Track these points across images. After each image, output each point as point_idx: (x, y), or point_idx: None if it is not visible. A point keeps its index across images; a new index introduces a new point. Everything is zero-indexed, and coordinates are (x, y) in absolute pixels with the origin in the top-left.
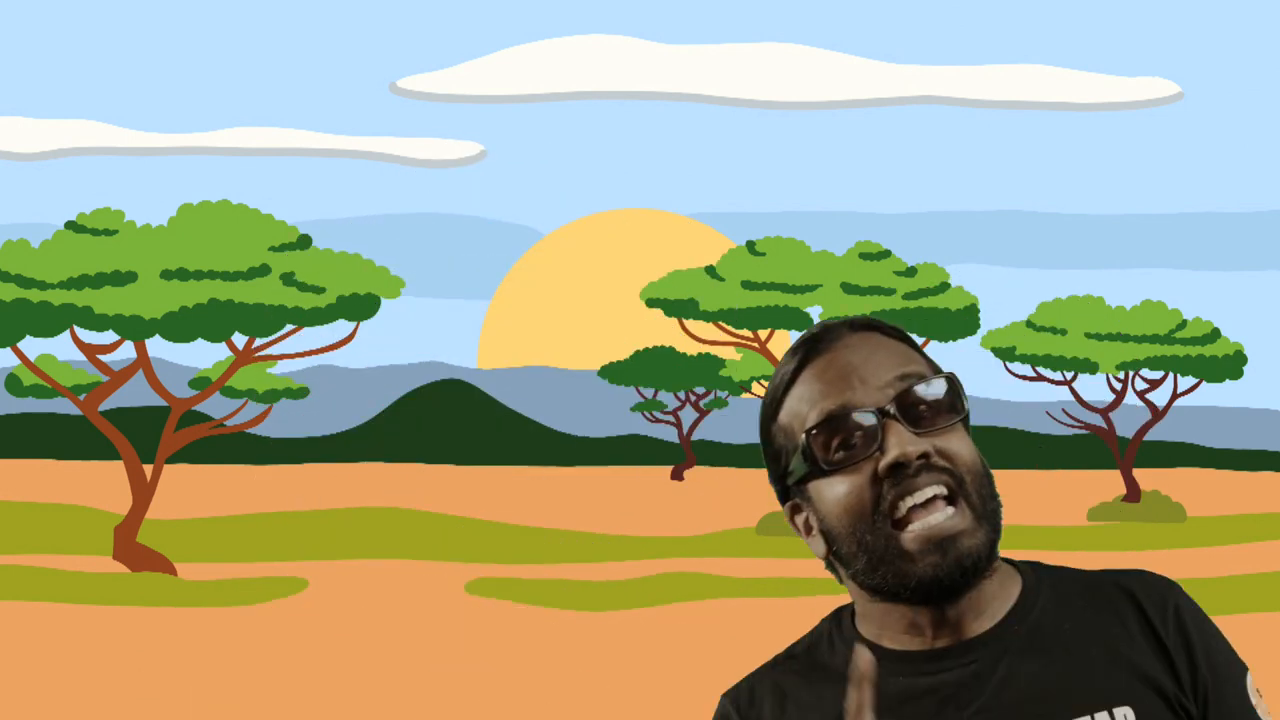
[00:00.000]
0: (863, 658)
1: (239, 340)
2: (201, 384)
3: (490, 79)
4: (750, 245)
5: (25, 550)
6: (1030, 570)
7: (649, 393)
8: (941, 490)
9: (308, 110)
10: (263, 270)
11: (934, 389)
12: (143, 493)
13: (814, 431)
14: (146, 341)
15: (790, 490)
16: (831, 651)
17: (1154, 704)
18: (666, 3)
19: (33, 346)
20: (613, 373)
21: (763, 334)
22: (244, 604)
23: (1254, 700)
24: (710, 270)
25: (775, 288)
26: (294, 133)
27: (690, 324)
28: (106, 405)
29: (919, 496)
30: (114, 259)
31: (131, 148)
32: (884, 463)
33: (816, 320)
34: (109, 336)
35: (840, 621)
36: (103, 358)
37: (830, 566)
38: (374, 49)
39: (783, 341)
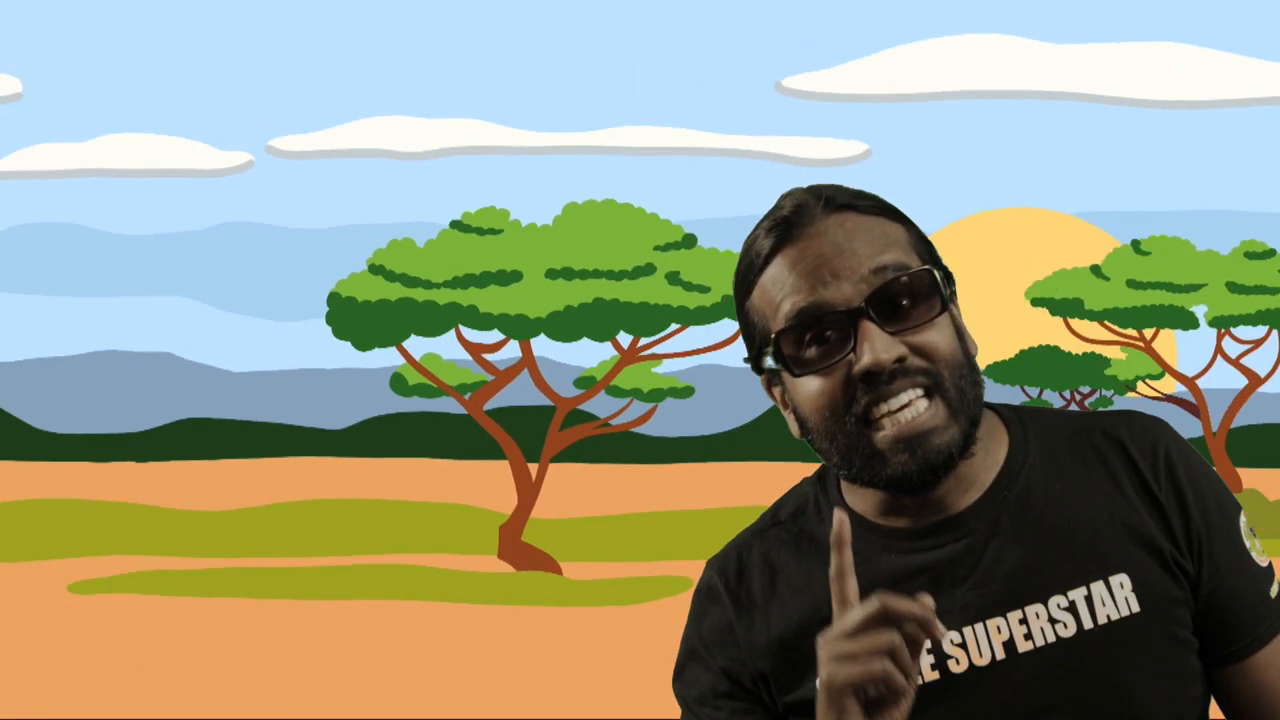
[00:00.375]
0: (840, 521)
1: (624, 339)
2: (586, 383)
3: (875, 78)
4: (1135, 244)
5: (412, 550)
6: (1016, 422)
7: (1034, 392)
8: (917, 392)
9: (692, 109)
10: (647, 269)
11: (912, 281)
12: (528, 492)
13: (785, 331)
14: (531, 340)
15: (764, 368)
16: (819, 519)
17: (1149, 566)
18: (1052, 1)
19: (418, 346)
20: (999, 372)
21: (1148, 333)
22: (628, 603)
23: (1247, 544)
24: (1095, 269)
25: (1160, 287)
26: (679, 131)
27: (1075, 323)
28: (491, 404)
29: (893, 404)
30: (499, 258)
31: (516, 147)
32: (857, 369)
33: (1200, 317)
34: (494, 335)
35: (825, 485)
36: (488, 357)
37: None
38: (759, 48)
39: (1168, 342)
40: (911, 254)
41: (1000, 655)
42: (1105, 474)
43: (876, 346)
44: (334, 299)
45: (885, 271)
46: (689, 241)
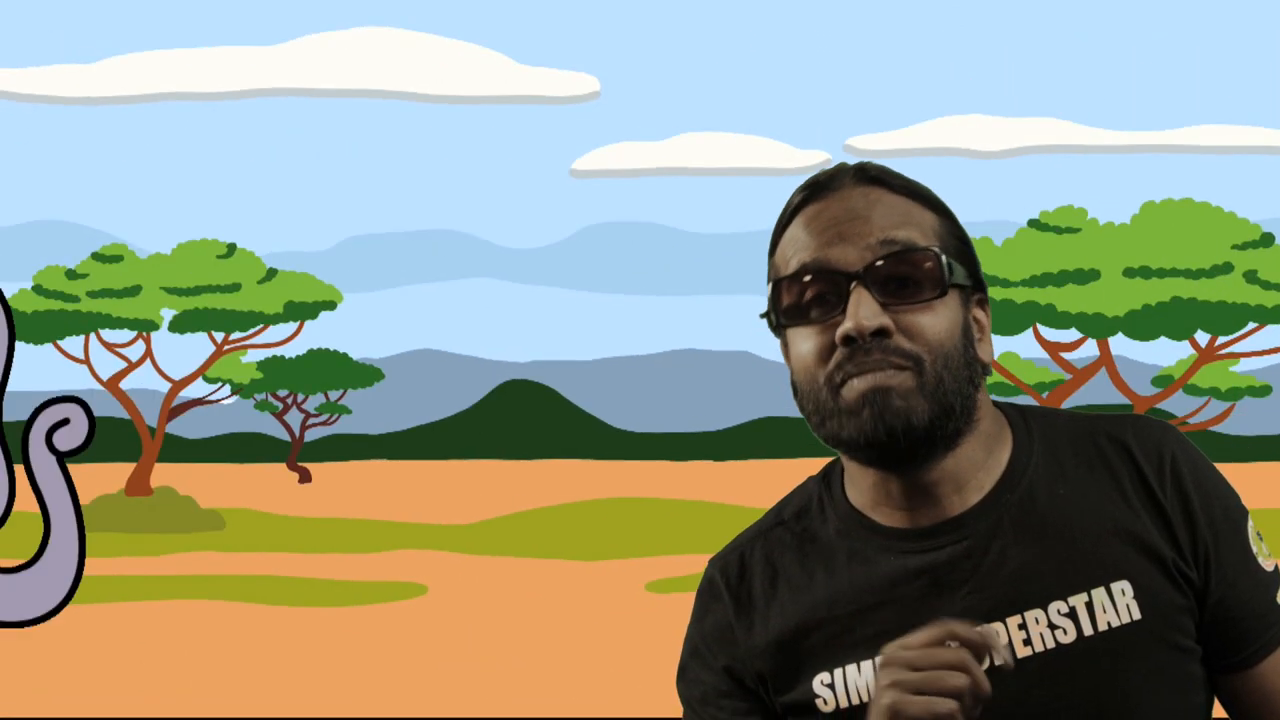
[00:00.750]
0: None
1: (1201, 338)
2: (1164, 381)
3: None
4: None
5: None
6: (1022, 424)
7: None
8: (889, 370)
9: (1270, 107)
10: (1225, 268)
11: (917, 259)
12: None
13: (782, 280)
14: (1109, 339)
15: (775, 323)
16: (821, 519)
17: (1152, 574)
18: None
19: (996, 344)
20: None
21: None
22: None
23: (1254, 549)
24: None
25: None
26: (1259, 130)
27: None
28: (1069, 403)
29: (866, 381)
30: (1077, 257)
31: (1095, 145)
32: (839, 331)
33: None
34: (1071, 334)
35: (830, 485)
36: (1066, 355)
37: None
38: None
39: None
40: (931, 239)
41: (998, 660)
42: (1110, 479)
43: (862, 312)
44: None
45: (892, 244)
46: (1267, 240)
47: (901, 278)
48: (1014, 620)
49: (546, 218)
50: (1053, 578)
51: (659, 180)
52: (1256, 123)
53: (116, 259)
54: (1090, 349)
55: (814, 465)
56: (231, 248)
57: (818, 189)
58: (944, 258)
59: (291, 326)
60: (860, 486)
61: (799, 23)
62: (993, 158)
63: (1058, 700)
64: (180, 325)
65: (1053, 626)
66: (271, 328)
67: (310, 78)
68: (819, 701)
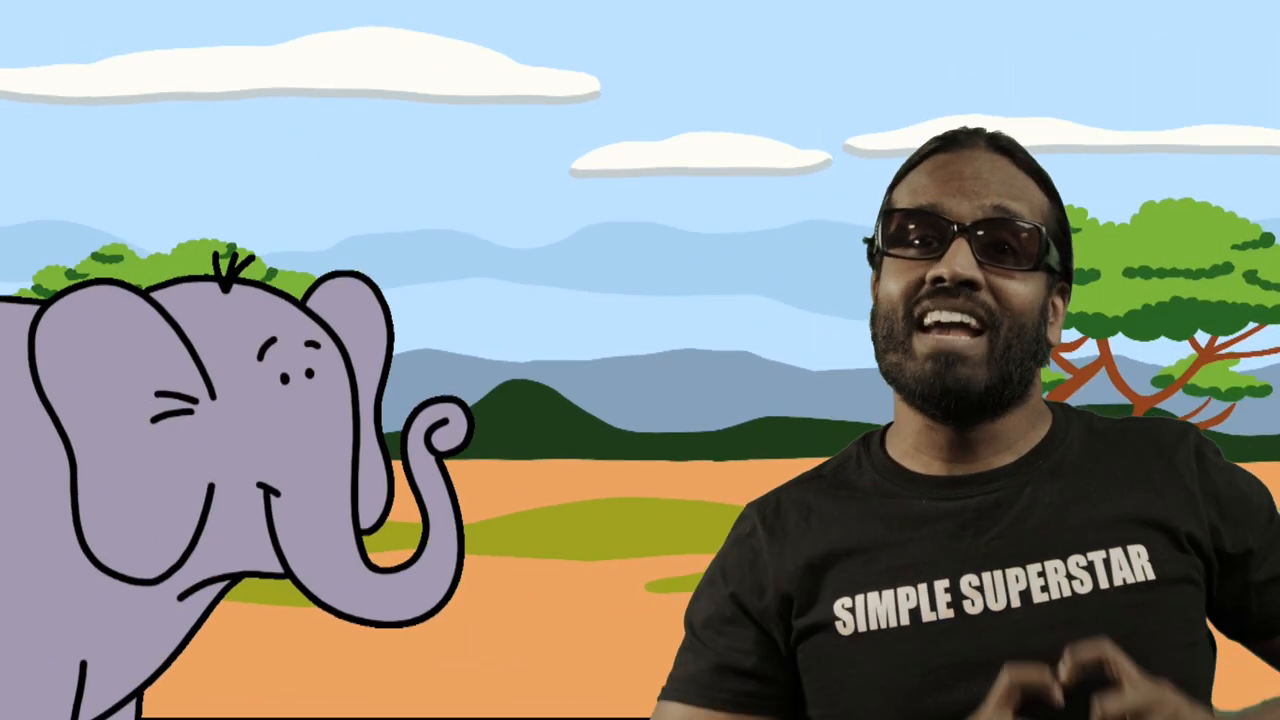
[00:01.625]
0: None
1: (1201, 338)
2: (1164, 381)
3: None
4: None
5: None
6: (1061, 412)
7: None
8: (971, 320)
9: (1269, 107)
10: (1225, 268)
11: (1022, 230)
12: None
13: (893, 212)
14: (1109, 339)
15: (874, 253)
16: (859, 471)
17: (1169, 548)
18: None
19: None
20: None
21: None
22: None
23: None
24: None
25: None
26: (1259, 130)
27: None
28: (1069, 403)
29: (945, 315)
30: (1076, 256)
31: (1095, 145)
32: (933, 271)
33: None
34: (1071, 334)
35: (869, 444)
36: (1066, 355)
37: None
38: None
39: None
40: (1038, 217)
41: (1016, 603)
42: (1138, 465)
43: (959, 260)
44: None
45: (1004, 211)
46: (1267, 240)
47: (1001, 243)
48: (1034, 568)
49: (546, 218)
50: (1074, 535)
51: (659, 180)
52: (1256, 123)
53: (116, 259)
54: (1090, 349)
55: (814, 465)
56: (231, 248)
57: (951, 142)
58: (1045, 236)
59: None
60: (904, 431)
61: (799, 23)
62: None
63: (1066, 644)
64: None
65: (1070, 577)
66: None
67: (310, 78)
68: (839, 624)
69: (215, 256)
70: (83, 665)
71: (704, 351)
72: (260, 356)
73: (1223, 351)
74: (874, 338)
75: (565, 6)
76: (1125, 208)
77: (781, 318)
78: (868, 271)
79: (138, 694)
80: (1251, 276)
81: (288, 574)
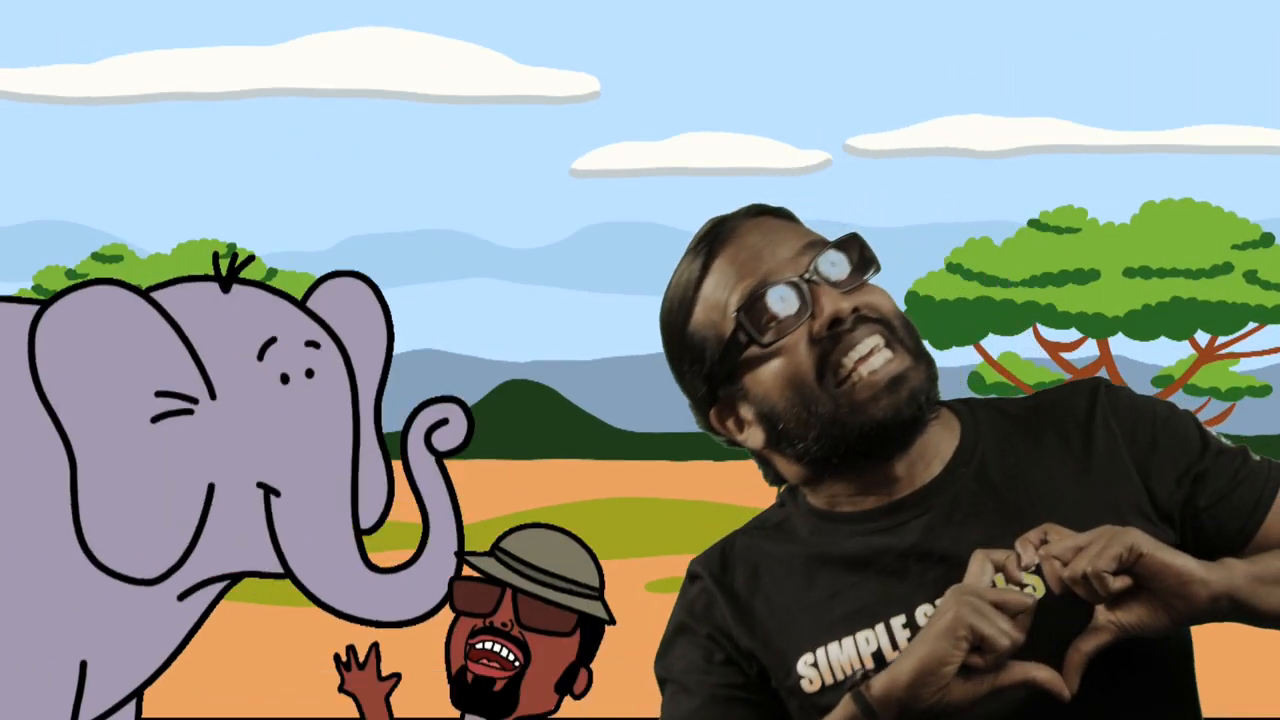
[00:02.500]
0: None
1: (1201, 338)
2: (1164, 382)
3: None
4: None
5: None
6: (966, 410)
7: None
8: (878, 340)
9: (1269, 107)
10: (1225, 268)
11: (843, 253)
12: None
13: (743, 310)
14: (1109, 339)
15: (718, 390)
16: (795, 524)
17: (1114, 521)
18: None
19: (995, 344)
20: None
21: None
22: None
23: (1211, 437)
24: None
25: None
26: (1259, 130)
27: None
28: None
29: (861, 349)
30: (1077, 257)
31: (1095, 145)
32: (820, 323)
33: None
34: (1071, 334)
35: (796, 496)
36: (1065, 355)
37: (763, 461)
38: None
39: None
40: (826, 239)
41: (1041, 593)
42: (1061, 447)
43: (835, 298)
44: (912, 298)
45: (818, 246)
46: (1267, 240)
47: (842, 269)
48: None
49: (546, 218)
50: (1012, 542)
51: (659, 180)
52: (1256, 123)
53: (116, 259)
54: (1090, 349)
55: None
56: (231, 248)
57: (714, 240)
58: (861, 238)
59: None
60: (823, 495)
61: (799, 23)
62: (993, 158)
63: (1034, 653)
64: None
65: (1021, 586)
66: None
67: (310, 78)
68: (804, 683)
69: (215, 256)
70: (83, 665)
71: None
72: (260, 356)
73: (1223, 351)
74: (798, 429)
75: (565, 6)
76: (1125, 208)
77: None
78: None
79: (138, 694)
80: (1251, 276)
81: (288, 574)
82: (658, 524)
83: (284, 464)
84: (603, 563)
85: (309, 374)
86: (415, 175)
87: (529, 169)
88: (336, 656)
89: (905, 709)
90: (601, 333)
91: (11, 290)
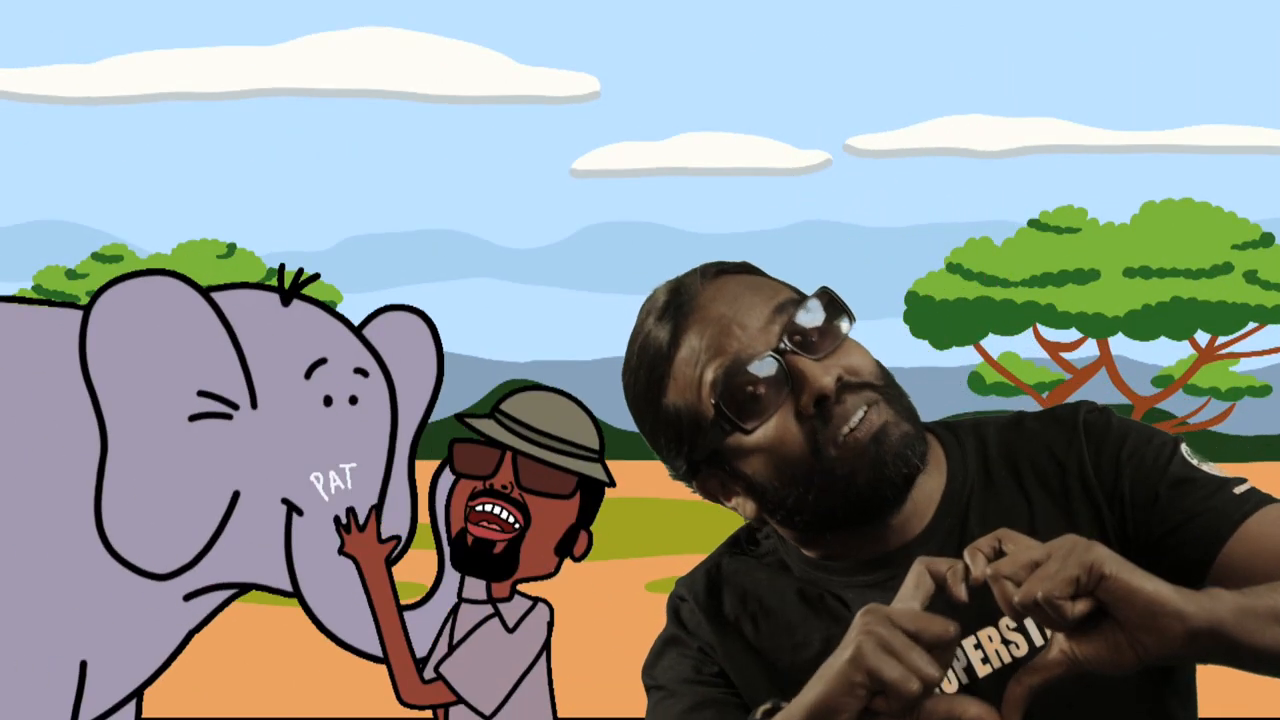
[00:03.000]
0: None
1: (1201, 338)
2: (1164, 381)
3: None
4: None
5: None
6: (954, 442)
7: None
8: (863, 405)
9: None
10: (1225, 268)
11: (815, 312)
12: None
13: (721, 399)
14: (1109, 339)
15: (699, 466)
16: (784, 549)
17: None
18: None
19: (995, 344)
20: None
21: None
22: None
23: (1195, 463)
24: None
25: None
26: (1258, 130)
27: None
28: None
29: (854, 419)
30: (1077, 257)
31: (1095, 145)
32: (805, 400)
33: None
34: (1071, 334)
35: (788, 542)
36: (1065, 355)
37: (755, 525)
38: None
39: None
40: (797, 294)
41: (964, 680)
42: (1037, 485)
43: (816, 371)
44: (911, 298)
45: (787, 309)
46: (1267, 240)
47: (816, 332)
48: (969, 642)
49: (546, 218)
50: (991, 599)
51: (659, 180)
52: (1256, 123)
53: (116, 259)
54: (1090, 349)
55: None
56: (231, 248)
57: (678, 309)
58: (833, 293)
59: None
60: (814, 548)
61: (799, 23)
62: (993, 158)
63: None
64: None
65: (1006, 642)
66: None
67: (310, 78)
68: None
69: (281, 267)
70: (83, 665)
71: None
72: (308, 375)
73: (1223, 351)
74: (785, 505)
75: (565, 6)
76: (1125, 208)
77: None
78: (868, 271)
79: (138, 694)
80: (1251, 276)
81: (296, 594)
82: (658, 524)
83: (312, 485)
84: (603, 563)
85: (353, 400)
86: (415, 175)
87: (529, 169)
88: (336, 519)
89: None
90: (601, 333)
91: (11, 290)
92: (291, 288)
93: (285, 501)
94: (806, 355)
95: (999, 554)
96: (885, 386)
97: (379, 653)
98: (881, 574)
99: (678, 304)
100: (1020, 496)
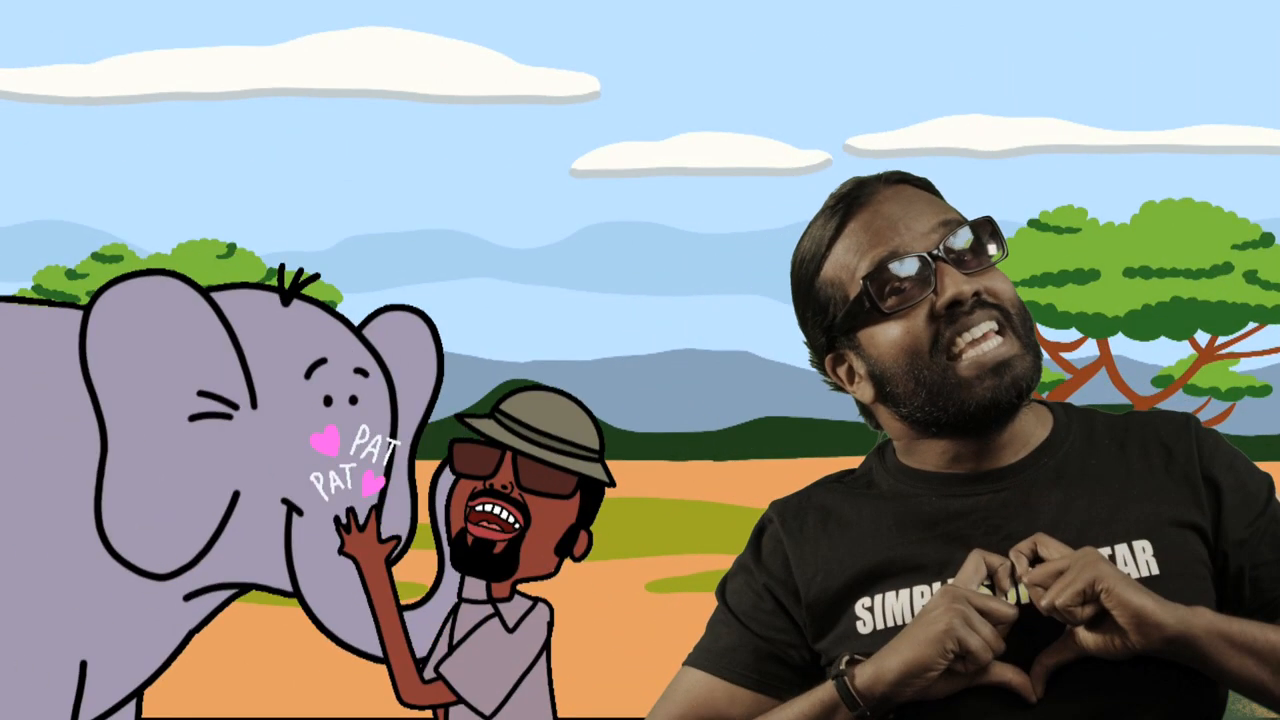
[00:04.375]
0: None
1: (1201, 338)
2: (1164, 381)
3: None
4: None
5: None
6: (1062, 410)
7: None
8: (993, 325)
9: (1269, 107)
10: (1225, 268)
11: (975, 232)
12: None
13: (870, 278)
14: (1109, 339)
15: (836, 341)
16: (876, 476)
17: (1174, 536)
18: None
19: None
20: None
21: None
22: None
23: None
24: None
25: None
26: (1259, 130)
27: None
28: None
29: (975, 332)
30: (1077, 257)
31: (1095, 145)
32: (941, 301)
33: None
34: (1071, 334)
35: (884, 455)
36: (1066, 355)
37: (867, 412)
38: None
39: None
40: (959, 216)
41: (1025, 599)
42: (1142, 460)
43: (958, 279)
44: None
45: (952, 224)
46: (1267, 240)
47: (970, 250)
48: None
49: (546, 218)
50: (1079, 531)
51: (659, 180)
52: (1256, 123)
53: (116, 259)
54: (1090, 349)
55: (814, 465)
56: (231, 248)
57: (852, 203)
58: (994, 223)
59: None
60: (917, 452)
61: (799, 23)
62: (993, 158)
63: (1013, 655)
64: None
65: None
66: None
67: (310, 78)
68: (859, 624)
69: (281, 267)
70: (83, 665)
71: (704, 351)
72: (308, 375)
73: (1223, 351)
74: (903, 395)
75: (565, 6)
76: (1125, 208)
77: (781, 318)
78: None
79: (138, 694)
80: (1251, 276)
81: (295, 594)
82: (658, 524)
83: (312, 485)
84: (603, 563)
85: (353, 400)
86: (415, 175)
87: (529, 169)
88: (336, 519)
89: (885, 700)
90: (601, 333)
91: (11, 290)
92: (291, 288)
93: (285, 501)
94: (954, 265)
95: (1036, 557)
96: (1016, 314)
97: (379, 652)
98: (968, 489)
99: (852, 198)
100: (1121, 463)
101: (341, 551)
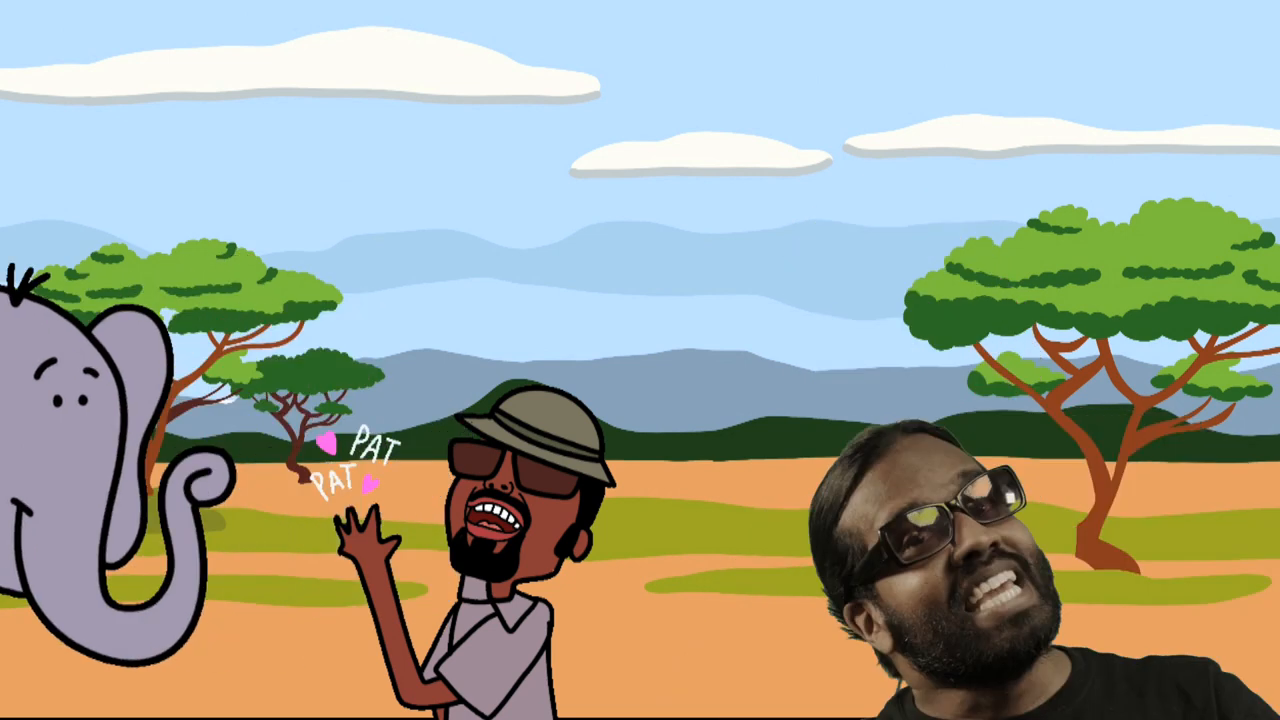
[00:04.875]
0: None
1: (1201, 338)
2: (1164, 382)
3: None
4: None
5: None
6: (1080, 656)
7: None
8: (1011, 575)
9: (1269, 107)
10: (1225, 268)
11: (994, 482)
12: (1105, 490)
13: (888, 529)
14: (1109, 339)
15: (854, 590)
16: None
17: None
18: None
19: (995, 344)
20: None
21: None
22: (1207, 602)
23: None
24: None
25: None
26: (1259, 130)
27: None
28: (1069, 403)
29: (993, 583)
30: (1077, 257)
31: (1095, 145)
32: (959, 552)
33: None
34: (1071, 334)
35: (903, 703)
36: (1066, 355)
37: (886, 662)
38: None
39: None
40: (981, 466)
41: None
42: (1158, 704)
43: (976, 530)
44: (911, 298)
45: (969, 475)
46: (1267, 240)
47: (987, 500)
48: None
49: (546, 218)
50: None
51: (659, 180)
52: (1256, 123)
53: (116, 259)
54: (1090, 349)
55: (814, 465)
56: (231, 248)
57: (871, 452)
58: (1013, 473)
59: (291, 326)
60: (937, 701)
61: (798, 23)
62: (993, 158)
63: None
64: (180, 325)
65: None
66: (271, 328)
67: (310, 78)
68: None
69: (11, 267)
70: None
71: (704, 351)
72: (37, 375)
73: (1223, 351)
74: (922, 646)
75: (565, 6)
76: (1125, 208)
77: (781, 318)
78: (868, 271)
79: None
80: (1251, 276)
81: (26, 595)
82: (658, 524)
83: (41, 485)
84: (603, 563)
85: (82, 400)
86: (415, 175)
87: (529, 169)
88: (336, 519)
89: None
90: (601, 333)
91: None
92: (21, 287)
93: (15, 501)
94: (972, 515)
95: None
96: (1035, 564)
97: (110, 654)
98: None
99: (873, 446)
100: (1139, 712)
101: (341, 551)
